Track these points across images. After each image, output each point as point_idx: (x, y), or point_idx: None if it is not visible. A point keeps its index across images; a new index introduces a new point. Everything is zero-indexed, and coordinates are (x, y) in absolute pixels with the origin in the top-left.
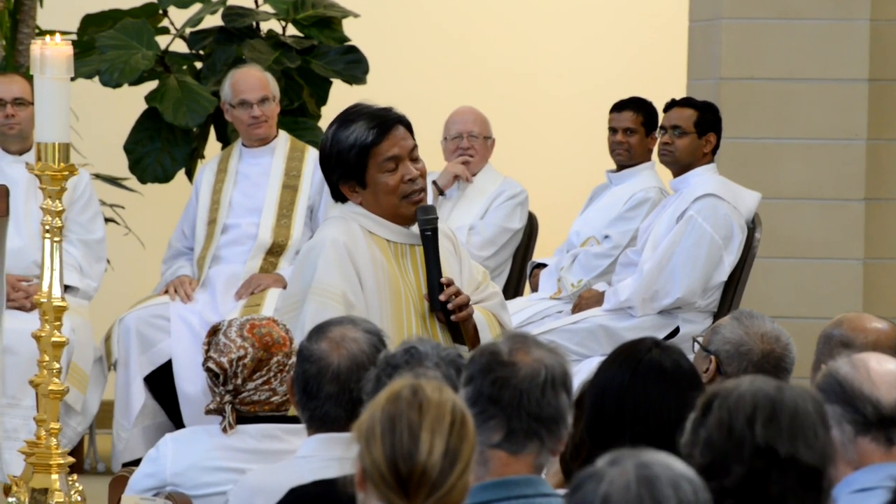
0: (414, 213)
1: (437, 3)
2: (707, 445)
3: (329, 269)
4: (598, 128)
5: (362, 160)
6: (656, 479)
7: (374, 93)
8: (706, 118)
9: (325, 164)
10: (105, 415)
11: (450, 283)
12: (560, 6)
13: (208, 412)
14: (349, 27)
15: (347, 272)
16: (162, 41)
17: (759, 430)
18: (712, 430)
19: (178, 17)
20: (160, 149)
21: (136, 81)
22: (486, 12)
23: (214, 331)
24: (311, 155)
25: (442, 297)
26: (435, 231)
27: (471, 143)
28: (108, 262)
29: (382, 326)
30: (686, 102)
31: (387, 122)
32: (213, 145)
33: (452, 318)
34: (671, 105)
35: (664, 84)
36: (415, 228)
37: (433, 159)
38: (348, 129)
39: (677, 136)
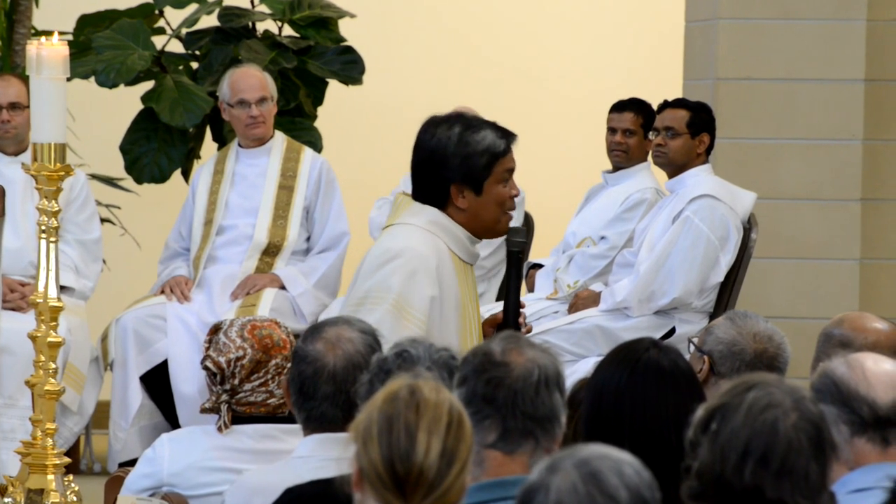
0: (507, 228)
1: (433, 4)
2: (699, 476)
3: (418, 291)
4: (595, 128)
5: (489, 167)
6: (599, 473)
7: (371, 93)
8: (699, 118)
9: (441, 161)
10: (101, 415)
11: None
12: (557, 7)
13: (203, 411)
14: (345, 27)
15: (433, 299)
16: (158, 41)
17: (747, 474)
18: (705, 463)
19: (174, 17)
20: (156, 149)
21: (133, 82)
22: (482, 13)
23: (216, 329)
24: (308, 155)
25: (521, 320)
26: (523, 253)
27: None
28: (105, 262)
29: (453, 344)
30: (679, 103)
31: (509, 135)
32: (209, 146)
33: None
34: (664, 106)
35: (662, 85)
36: (476, 248)
37: None
38: (479, 134)
39: (670, 137)
